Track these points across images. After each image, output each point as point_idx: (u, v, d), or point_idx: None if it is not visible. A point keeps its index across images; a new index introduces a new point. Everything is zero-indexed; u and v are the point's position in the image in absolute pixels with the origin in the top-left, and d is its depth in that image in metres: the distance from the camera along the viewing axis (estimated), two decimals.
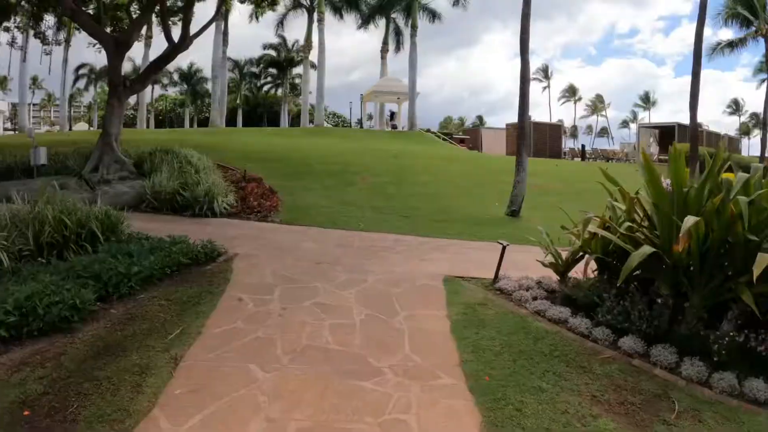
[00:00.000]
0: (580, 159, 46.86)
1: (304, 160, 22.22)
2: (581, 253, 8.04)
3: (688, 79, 25.06)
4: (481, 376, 5.60)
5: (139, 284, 7.67)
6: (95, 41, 23.22)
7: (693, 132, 24.65)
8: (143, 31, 42.53)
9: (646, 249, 5.99)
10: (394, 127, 54.57)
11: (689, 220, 5.50)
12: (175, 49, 19.66)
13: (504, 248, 8.73)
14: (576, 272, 8.30)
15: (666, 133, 40.29)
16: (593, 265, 7.94)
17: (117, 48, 18.60)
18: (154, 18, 30.89)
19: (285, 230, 12.63)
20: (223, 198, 14.46)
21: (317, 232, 12.64)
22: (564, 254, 8.40)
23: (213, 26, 44.58)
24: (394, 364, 5.80)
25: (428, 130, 53.42)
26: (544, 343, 6.54)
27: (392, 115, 57.54)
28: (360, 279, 8.70)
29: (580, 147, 54.29)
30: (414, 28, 47.94)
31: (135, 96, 56.10)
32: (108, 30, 22.69)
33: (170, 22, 22.63)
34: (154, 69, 21.43)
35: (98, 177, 16.12)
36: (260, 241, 11.21)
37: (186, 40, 19.51)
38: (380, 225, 13.77)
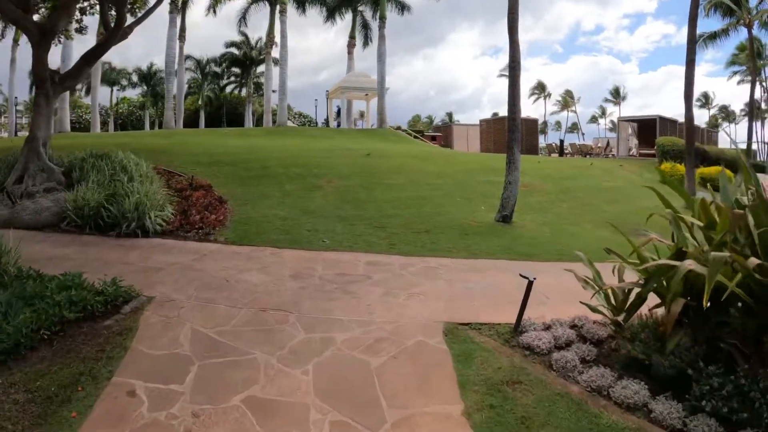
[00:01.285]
0: (557, 155, 44.81)
1: (263, 162, 19.48)
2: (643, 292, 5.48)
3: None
4: None
5: None
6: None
7: (689, 123, 22.34)
8: (97, 27, 39.65)
9: None
10: (339, 124, 52.05)
11: None
12: (110, 37, 16.91)
13: (530, 284, 6.07)
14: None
15: (646, 126, 38.20)
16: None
17: (43, 37, 15.78)
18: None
19: (228, 254, 9.85)
20: (157, 212, 11.73)
21: (270, 255, 9.86)
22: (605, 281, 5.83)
23: (167, 19, 42.72)
24: None
25: (398, 128, 50.90)
26: None
27: (339, 111, 55.00)
28: (322, 340, 5.96)
29: (557, 142, 52.14)
30: (382, 19, 45.30)
31: (90, 98, 53.46)
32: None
33: (112, 8, 19.78)
34: (88, 61, 18.46)
35: (22, 189, 13.33)
36: (191, 274, 8.42)
37: (121, 27, 16.74)
38: (350, 241, 11.15)
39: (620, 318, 5.56)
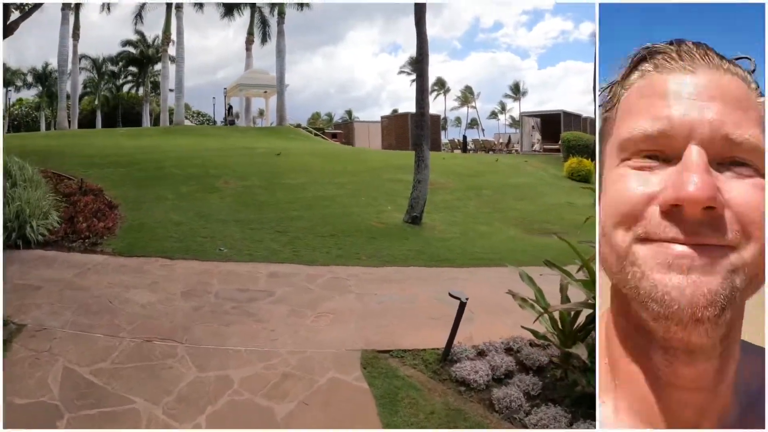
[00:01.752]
0: (460, 151, 44.76)
1: (159, 163, 18.19)
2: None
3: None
4: None
5: None
6: None
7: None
8: None
9: None
10: (231, 122, 50.49)
11: None
12: None
13: (463, 306, 5.26)
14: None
15: (549, 121, 38.58)
16: None
17: None
18: None
19: (114, 267, 8.63)
20: (40, 220, 10.42)
21: (160, 267, 8.71)
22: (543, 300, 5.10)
23: (59, 17, 40.46)
24: None
25: (299, 125, 50.00)
26: None
27: (230, 109, 53.33)
28: (218, 380, 4.90)
29: (460, 138, 52.14)
30: (281, 15, 44.36)
31: None
32: None
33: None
34: None
35: None
36: (70, 293, 7.16)
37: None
38: (250, 249, 10.16)
39: (573, 348, 4.72)
